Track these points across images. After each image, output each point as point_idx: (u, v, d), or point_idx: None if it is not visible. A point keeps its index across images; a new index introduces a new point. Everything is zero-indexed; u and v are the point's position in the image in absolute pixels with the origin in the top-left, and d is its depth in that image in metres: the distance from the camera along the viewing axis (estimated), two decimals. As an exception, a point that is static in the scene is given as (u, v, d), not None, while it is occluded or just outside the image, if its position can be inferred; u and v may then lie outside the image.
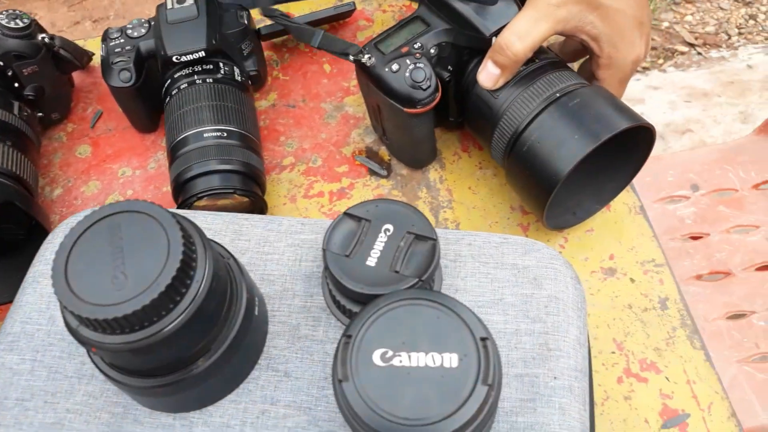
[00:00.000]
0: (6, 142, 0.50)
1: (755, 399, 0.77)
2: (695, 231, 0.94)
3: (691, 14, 1.88)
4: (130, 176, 0.58)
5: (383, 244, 0.35)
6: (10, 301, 0.51)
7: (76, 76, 0.63)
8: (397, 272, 0.34)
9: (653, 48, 1.81)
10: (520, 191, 0.50)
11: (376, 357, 0.27)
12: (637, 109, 1.66)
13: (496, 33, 0.47)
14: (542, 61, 0.48)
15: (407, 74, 0.47)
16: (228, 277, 0.34)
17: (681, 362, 0.46)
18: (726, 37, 1.81)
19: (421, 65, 0.47)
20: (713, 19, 1.86)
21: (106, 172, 0.58)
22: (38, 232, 0.49)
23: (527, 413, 0.33)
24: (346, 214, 0.37)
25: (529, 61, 0.48)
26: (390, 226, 0.36)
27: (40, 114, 0.58)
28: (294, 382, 0.36)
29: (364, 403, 0.26)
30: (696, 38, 1.82)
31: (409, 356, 0.27)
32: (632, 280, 0.49)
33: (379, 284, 0.34)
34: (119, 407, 0.36)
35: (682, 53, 1.79)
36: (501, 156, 0.49)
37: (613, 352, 0.46)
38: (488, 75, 0.47)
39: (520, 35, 0.45)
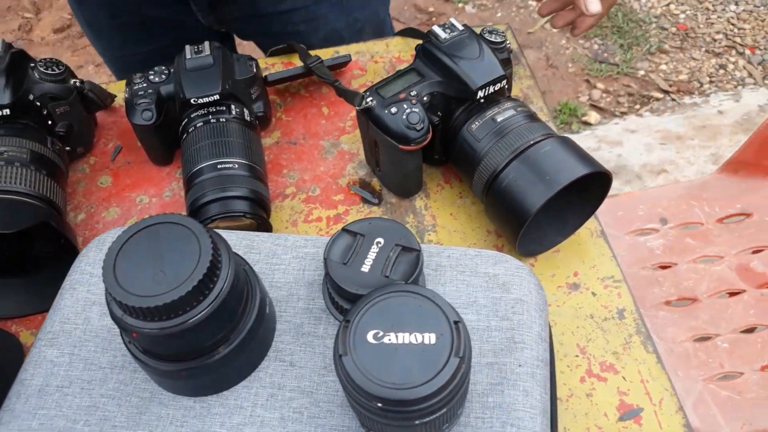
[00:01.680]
0: (42, 171, 0.57)
1: (718, 413, 0.83)
2: (664, 261, 1.01)
3: (666, 63, 1.99)
4: (147, 203, 0.64)
5: (375, 254, 0.42)
6: (39, 311, 0.57)
7: (99, 115, 0.70)
8: (387, 277, 0.41)
9: (630, 94, 1.91)
10: (495, 222, 0.57)
11: (370, 336, 0.33)
12: (615, 150, 1.76)
13: (483, 87, 0.55)
14: (519, 114, 0.55)
15: (404, 117, 0.54)
16: (245, 280, 0.40)
17: (636, 364, 0.52)
18: (698, 85, 1.92)
19: (416, 110, 0.54)
20: (686, 68, 1.97)
21: (125, 200, 0.65)
22: (66, 251, 0.55)
23: (496, 395, 0.40)
24: (344, 230, 0.43)
25: (507, 112, 0.55)
26: (381, 240, 0.42)
27: (68, 148, 0.65)
28: (298, 370, 0.42)
29: (361, 373, 0.32)
30: (670, 86, 1.92)
31: (396, 335, 0.33)
32: (594, 294, 0.56)
33: (371, 287, 0.41)
34: (147, 392, 0.42)
35: (658, 99, 1.89)
36: (480, 191, 0.56)
37: (577, 356, 0.52)
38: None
39: None
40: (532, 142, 0.53)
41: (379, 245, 0.42)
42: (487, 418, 0.39)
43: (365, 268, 0.41)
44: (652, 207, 1.07)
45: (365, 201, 0.63)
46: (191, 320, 0.35)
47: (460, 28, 0.56)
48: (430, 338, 0.33)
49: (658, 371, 0.52)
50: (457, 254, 0.46)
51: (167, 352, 0.38)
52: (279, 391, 0.41)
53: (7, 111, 0.57)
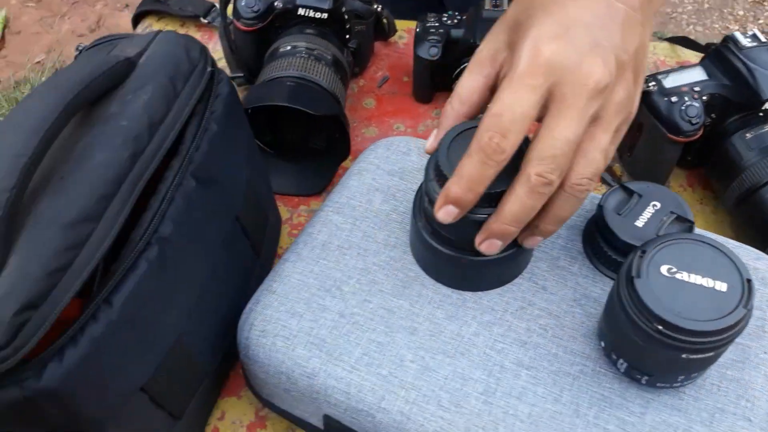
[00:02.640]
0: (338, 75, 0.65)
1: None
2: None
3: None
4: (402, 131, 0.71)
5: (650, 214, 0.45)
6: (307, 194, 0.65)
7: (376, 45, 0.78)
8: (658, 236, 0.44)
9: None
10: (744, 234, 0.58)
11: (663, 269, 0.37)
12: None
13: None
14: None
15: (682, 107, 0.56)
16: None
17: None
18: None
19: (696, 104, 0.56)
20: None
21: (383, 124, 0.72)
22: (338, 147, 0.63)
23: (736, 370, 0.41)
24: (622, 185, 0.46)
25: None
26: (657, 204, 0.45)
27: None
28: (549, 295, 0.45)
29: (650, 295, 0.35)
30: None
31: (689, 275, 0.36)
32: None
33: (643, 240, 0.43)
34: (412, 273, 0.47)
35: None
36: (733, 200, 0.57)
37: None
38: None
39: None
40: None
41: (655, 208, 0.45)
42: (723, 388, 0.41)
43: (639, 223, 0.44)
44: None
45: (604, 182, 0.65)
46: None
47: (763, 39, 0.57)
48: (721, 286, 0.36)
49: None
50: (720, 241, 0.47)
51: (457, 240, 0.43)
52: (529, 306, 0.45)
53: (325, 15, 0.66)
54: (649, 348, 0.37)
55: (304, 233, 0.50)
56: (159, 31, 0.48)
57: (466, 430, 0.40)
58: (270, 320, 0.45)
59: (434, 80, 0.70)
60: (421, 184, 0.44)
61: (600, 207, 0.45)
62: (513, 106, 0.36)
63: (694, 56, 0.75)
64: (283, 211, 0.65)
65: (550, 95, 0.36)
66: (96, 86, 0.42)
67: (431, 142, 0.43)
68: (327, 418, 0.44)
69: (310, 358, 0.43)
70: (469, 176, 0.37)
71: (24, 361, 0.34)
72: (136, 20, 0.81)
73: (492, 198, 0.38)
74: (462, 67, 0.67)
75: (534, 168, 0.36)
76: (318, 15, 0.65)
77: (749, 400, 0.40)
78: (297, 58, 0.62)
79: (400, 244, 0.48)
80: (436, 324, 0.44)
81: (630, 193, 0.46)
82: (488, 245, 0.40)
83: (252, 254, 0.53)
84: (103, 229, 0.37)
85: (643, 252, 0.37)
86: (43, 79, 1.74)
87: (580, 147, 0.36)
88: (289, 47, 0.64)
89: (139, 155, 0.40)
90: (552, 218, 0.39)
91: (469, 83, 0.41)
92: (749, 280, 0.36)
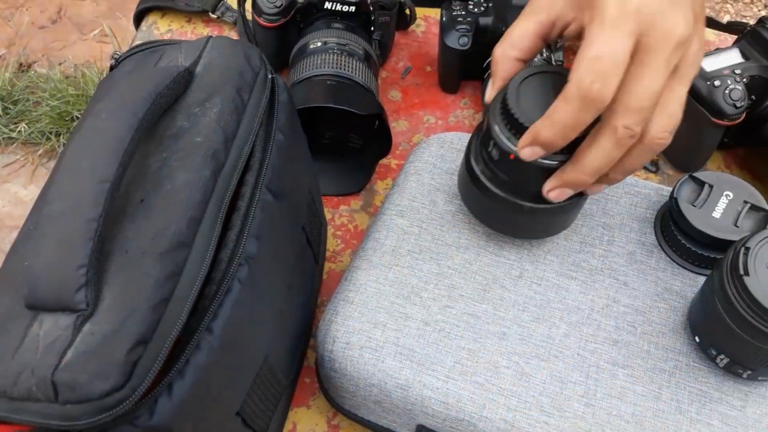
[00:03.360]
0: (371, 69, 0.63)
1: None
2: None
3: None
4: (433, 123, 0.69)
5: (725, 205, 0.45)
6: (348, 193, 0.63)
7: (396, 35, 0.76)
8: (737, 227, 0.44)
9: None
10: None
11: (770, 264, 0.36)
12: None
13: None
14: None
15: (726, 91, 0.56)
16: None
17: None
18: None
19: (739, 87, 0.56)
20: None
21: (413, 116, 0.70)
22: (379, 144, 0.61)
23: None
24: (691, 176, 0.46)
25: None
26: (730, 193, 0.45)
27: (376, 56, 0.70)
28: (632, 291, 0.45)
29: (763, 292, 0.35)
30: None
31: (797, 269, 0.36)
32: None
33: (722, 231, 0.43)
34: (490, 275, 0.46)
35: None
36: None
37: None
38: None
39: None
40: None
41: (729, 198, 0.45)
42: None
43: (716, 214, 0.44)
44: None
45: (643, 167, 0.65)
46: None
47: (802, 20, 0.57)
48: (829, 280, 0.36)
49: None
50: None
51: (521, 185, 0.42)
52: (614, 303, 0.45)
53: (352, 9, 0.63)
54: (758, 344, 0.37)
55: (371, 239, 0.49)
56: (210, 37, 0.45)
57: (571, 434, 0.40)
58: (354, 332, 0.44)
59: (462, 70, 0.69)
60: (479, 126, 0.43)
61: (675, 199, 0.45)
62: (612, 49, 0.35)
63: (713, 35, 0.75)
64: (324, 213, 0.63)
65: (637, 44, 0.35)
66: (163, 101, 0.39)
67: (490, 92, 0.42)
68: (421, 428, 0.43)
69: (401, 369, 0.42)
70: (565, 121, 0.36)
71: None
72: (139, 18, 0.77)
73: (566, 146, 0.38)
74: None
75: (621, 120, 0.35)
76: (345, 8, 0.63)
77: None
78: (330, 55, 0.60)
79: (472, 246, 0.47)
80: (525, 327, 0.44)
81: (700, 183, 0.46)
82: (558, 193, 0.40)
83: (313, 262, 0.51)
84: (198, 253, 0.35)
85: (747, 248, 0.37)
86: (8, 75, 1.65)
87: (661, 99, 0.36)
88: (319, 43, 0.61)
89: (218, 172, 0.38)
90: (624, 169, 0.39)
91: (523, 28, 0.41)
92: None
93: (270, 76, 0.44)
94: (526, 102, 0.39)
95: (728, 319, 0.38)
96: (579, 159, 0.38)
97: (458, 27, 0.66)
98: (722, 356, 0.40)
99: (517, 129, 0.39)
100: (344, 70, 0.59)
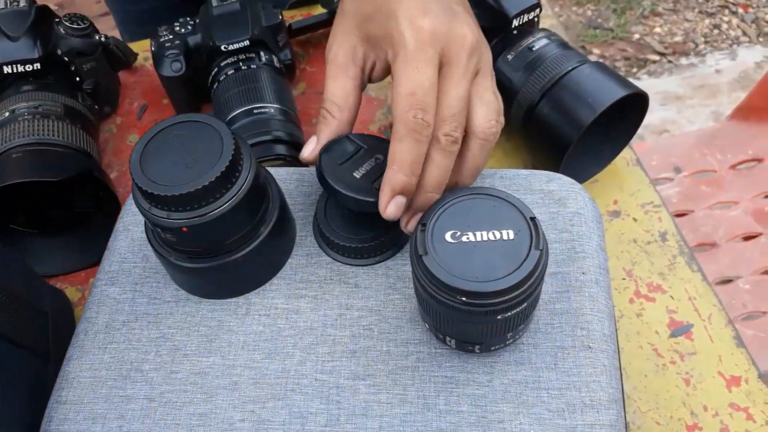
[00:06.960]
0: (77, 124, 0.57)
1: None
2: (681, 209, 1.02)
3: (660, 26, 2.00)
4: (179, 159, 0.64)
5: (371, 166, 0.41)
6: (84, 267, 0.57)
7: (122, 75, 0.70)
8: (376, 189, 0.40)
9: (626, 58, 1.92)
10: (535, 154, 0.57)
11: (448, 236, 0.34)
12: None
13: (518, 15, 0.55)
14: (553, 42, 0.56)
15: None
16: (266, 182, 0.40)
17: (682, 283, 0.53)
18: (693, 46, 1.93)
19: None
20: (680, 30, 1.98)
21: (156, 157, 0.65)
22: (106, 205, 0.55)
23: (563, 302, 0.40)
24: (347, 137, 0.43)
25: (541, 41, 0.55)
26: (381, 156, 0.42)
27: (96, 107, 0.64)
28: (363, 291, 0.42)
29: (443, 270, 0.33)
30: (666, 47, 1.93)
31: (474, 234, 0.34)
32: (635, 220, 0.56)
33: (357, 191, 0.40)
34: (214, 321, 0.42)
35: (654, 61, 1.90)
36: (519, 123, 0.57)
37: (624, 279, 0.53)
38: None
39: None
40: (569, 69, 0.53)
41: (378, 161, 0.42)
42: (557, 324, 0.39)
43: (357, 174, 0.41)
44: (666, 157, 1.08)
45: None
46: (218, 209, 0.36)
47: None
48: (508, 234, 0.33)
49: (704, 288, 0.52)
50: (510, 174, 0.46)
51: (195, 247, 0.38)
52: (347, 311, 0.41)
53: (37, 66, 0.57)
54: (463, 320, 0.34)
55: (83, 321, 0.43)
56: None
57: (319, 472, 0.36)
58: (67, 438, 0.38)
59: (191, 92, 0.64)
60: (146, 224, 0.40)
61: (321, 155, 0.41)
62: (421, 81, 0.37)
63: None
64: (72, 292, 0.57)
65: (440, 62, 0.38)
66: None
67: (312, 149, 0.42)
68: None
69: (127, 463, 0.37)
70: (410, 159, 0.37)
71: None
72: None
73: None
74: (213, 73, 0.61)
75: (441, 130, 0.38)
76: (29, 68, 0.56)
77: (583, 327, 0.39)
78: (20, 123, 0.54)
79: (192, 296, 0.43)
80: (257, 368, 0.40)
81: (356, 145, 0.42)
82: (413, 223, 0.40)
83: (36, 361, 0.45)
84: None
85: (424, 225, 0.34)
86: None
87: (475, 97, 0.40)
88: (7, 113, 0.55)
89: None
90: (469, 169, 0.41)
91: (341, 88, 0.42)
92: (533, 218, 0.34)
93: None
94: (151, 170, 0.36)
95: (428, 302, 0.35)
96: (421, 182, 0.39)
97: (168, 53, 0.61)
98: (448, 338, 0.37)
99: (154, 199, 0.35)
100: (38, 135, 0.53)
